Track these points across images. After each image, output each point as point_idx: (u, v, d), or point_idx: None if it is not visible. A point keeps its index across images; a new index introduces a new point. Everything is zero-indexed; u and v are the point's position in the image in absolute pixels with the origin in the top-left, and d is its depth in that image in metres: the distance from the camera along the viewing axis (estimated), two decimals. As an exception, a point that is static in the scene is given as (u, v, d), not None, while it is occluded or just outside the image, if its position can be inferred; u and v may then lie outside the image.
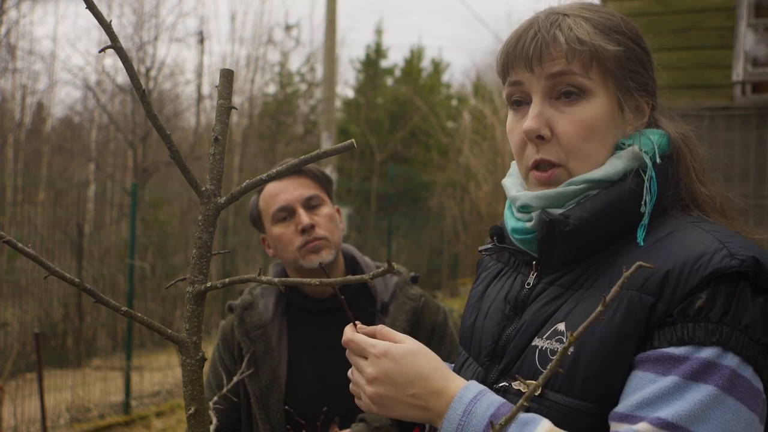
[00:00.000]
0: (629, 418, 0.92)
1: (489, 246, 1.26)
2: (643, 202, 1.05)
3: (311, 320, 2.00)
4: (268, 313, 1.99)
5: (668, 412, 0.89)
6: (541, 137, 1.09)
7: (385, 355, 1.05)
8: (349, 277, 0.87)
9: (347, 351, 1.12)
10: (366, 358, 1.07)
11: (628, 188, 1.05)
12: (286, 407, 1.87)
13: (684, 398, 0.89)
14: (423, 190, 19.67)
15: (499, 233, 1.23)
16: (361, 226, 14.71)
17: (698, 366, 0.91)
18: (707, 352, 0.91)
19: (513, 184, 1.19)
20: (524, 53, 1.09)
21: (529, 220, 1.11)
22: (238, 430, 2.01)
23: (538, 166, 1.11)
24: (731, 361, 0.91)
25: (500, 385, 1.10)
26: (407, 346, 1.06)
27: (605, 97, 1.09)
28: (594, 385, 0.97)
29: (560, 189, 1.08)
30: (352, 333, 1.11)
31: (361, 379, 1.08)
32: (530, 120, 1.09)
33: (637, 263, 0.81)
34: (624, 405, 0.94)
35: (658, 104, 1.16)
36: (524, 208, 1.13)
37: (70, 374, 7.52)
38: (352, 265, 2.08)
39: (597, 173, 1.07)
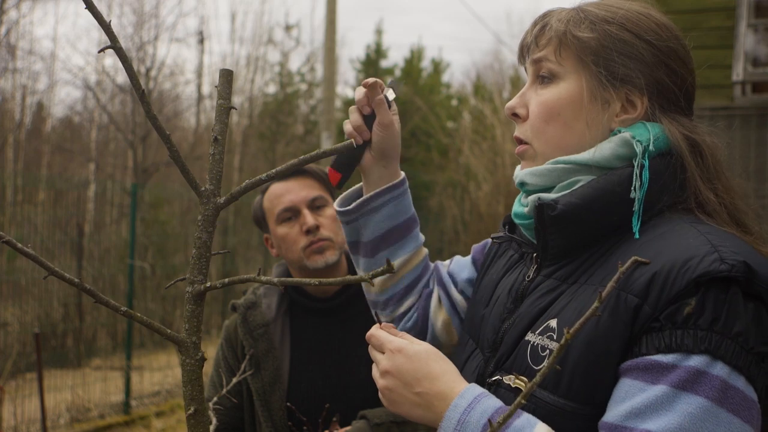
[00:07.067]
0: (619, 429, 0.91)
1: (501, 234, 1.28)
2: (633, 188, 1.02)
3: (314, 319, 2.01)
4: (271, 312, 2.00)
5: (658, 424, 0.87)
6: (515, 115, 1.17)
7: (400, 351, 1.08)
8: (348, 276, 0.88)
9: (369, 346, 1.16)
10: (383, 353, 1.11)
11: (620, 176, 1.04)
12: (288, 404, 1.88)
13: (674, 410, 0.88)
14: (423, 190, 19.66)
15: (511, 222, 1.25)
16: (361, 226, 14.67)
17: (687, 375, 0.88)
18: (696, 361, 0.89)
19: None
20: (520, 44, 1.19)
21: (527, 206, 1.13)
22: (241, 429, 2.02)
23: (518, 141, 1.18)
24: (721, 370, 0.88)
25: (494, 378, 1.11)
26: (422, 346, 1.09)
27: (574, 83, 1.10)
28: (579, 384, 0.96)
29: (548, 165, 1.10)
30: (375, 328, 1.15)
31: (376, 372, 1.11)
32: (512, 100, 1.18)
33: (633, 258, 0.80)
34: (613, 414, 0.92)
35: (671, 106, 1.10)
36: (522, 186, 1.16)
37: (70, 374, 7.52)
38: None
39: (583, 156, 1.08)
